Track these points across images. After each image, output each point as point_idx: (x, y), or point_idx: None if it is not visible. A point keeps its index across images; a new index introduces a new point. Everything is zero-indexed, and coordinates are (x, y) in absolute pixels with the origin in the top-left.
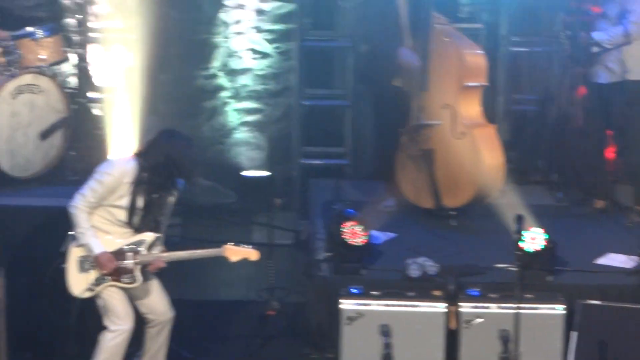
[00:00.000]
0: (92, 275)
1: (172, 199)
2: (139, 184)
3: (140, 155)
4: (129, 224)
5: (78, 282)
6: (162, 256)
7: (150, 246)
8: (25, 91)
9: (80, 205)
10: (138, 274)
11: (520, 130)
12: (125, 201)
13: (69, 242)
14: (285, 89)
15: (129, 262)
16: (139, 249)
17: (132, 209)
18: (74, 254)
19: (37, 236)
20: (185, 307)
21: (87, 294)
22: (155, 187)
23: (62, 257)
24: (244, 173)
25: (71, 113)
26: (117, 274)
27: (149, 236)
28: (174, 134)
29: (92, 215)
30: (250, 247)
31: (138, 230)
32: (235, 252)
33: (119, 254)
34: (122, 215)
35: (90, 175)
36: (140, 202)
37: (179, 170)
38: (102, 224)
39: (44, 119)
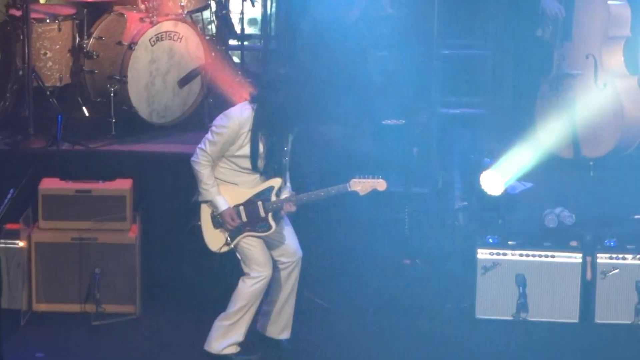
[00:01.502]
0: (227, 229)
1: (290, 142)
2: (257, 130)
3: (257, 100)
4: (254, 169)
5: (214, 238)
6: (291, 199)
7: (279, 191)
8: (165, 38)
9: (201, 161)
10: (271, 220)
11: None
12: (246, 150)
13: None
14: (425, 37)
15: (260, 211)
16: (267, 196)
17: (254, 156)
18: (207, 210)
19: (173, 183)
20: (321, 256)
21: (225, 249)
22: (273, 131)
23: (193, 206)
24: (382, 121)
25: (210, 60)
26: (252, 224)
27: (276, 182)
28: (290, 76)
29: (217, 167)
30: (377, 177)
31: (264, 174)
32: (362, 185)
33: (250, 204)
34: (246, 163)
35: (209, 129)
36: (260, 147)
37: (296, 113)
38: (228, 175)
39: (183, 66)
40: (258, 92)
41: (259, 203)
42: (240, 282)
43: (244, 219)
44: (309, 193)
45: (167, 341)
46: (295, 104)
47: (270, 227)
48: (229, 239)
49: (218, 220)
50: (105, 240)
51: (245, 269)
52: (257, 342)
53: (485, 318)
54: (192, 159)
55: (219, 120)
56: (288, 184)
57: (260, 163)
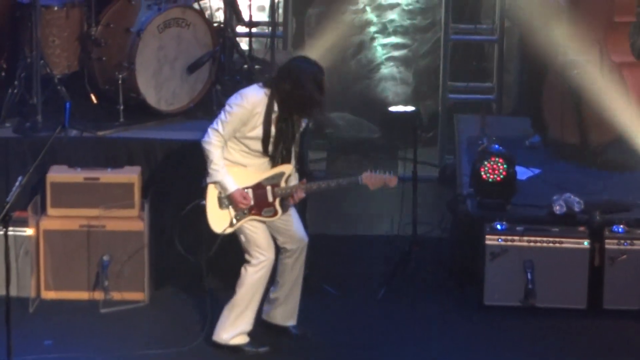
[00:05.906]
0: (232, 211)
1: (301, 129)
2: (270, 113)
3: (271, 83)
4: (265, 152)
5: (219, 219)
6: (300, 187)
7: (288, 178)
8: (173, 25)
9: (213, 141)
10: (277, 206)
11: None
12: (258, 131)
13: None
14: (433, 24)
15: (268, 196)
16: (277, 181)
17: (265, 138)
18: (214, 192)
19: (181, 170)
20: (328, 242)
21: (229, 230)
22: (286, 115)
23: (202, 192)
24: (390, 108)
25: (218, 47)
26: (258, 207)
27: (287, 168)
28: (306, 61)
29: (227, 148)
30: (389, 173)
31: (274, 159)
32: (373, 179)
33: (258, 188)
34: (257, 145)
35: (222, 109)
36: (272, 130)
37: (310, 98)
38: (238, 156)
39: (191, 53)
40: (271, 78)
41: (268, 188)
42: (243, 270)
43: (251, 202)
44: (319, 182)
45: (176, 329)
46: (304, 93)
47: (276, 213)
48: (234, 220)
49: (224, 202)
50: (114, 227)
51: (247, 256)
52: (265, 333)
53: (494, 304)
54: (204, 139)
55: (234, 98)
56: (295, 173)
57: (271, 147)
